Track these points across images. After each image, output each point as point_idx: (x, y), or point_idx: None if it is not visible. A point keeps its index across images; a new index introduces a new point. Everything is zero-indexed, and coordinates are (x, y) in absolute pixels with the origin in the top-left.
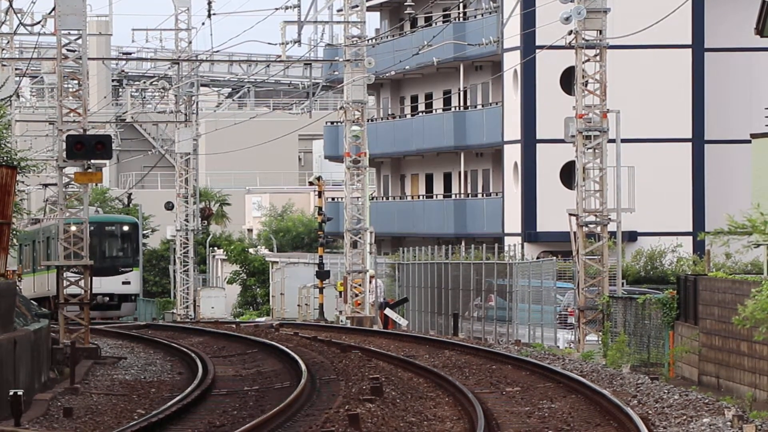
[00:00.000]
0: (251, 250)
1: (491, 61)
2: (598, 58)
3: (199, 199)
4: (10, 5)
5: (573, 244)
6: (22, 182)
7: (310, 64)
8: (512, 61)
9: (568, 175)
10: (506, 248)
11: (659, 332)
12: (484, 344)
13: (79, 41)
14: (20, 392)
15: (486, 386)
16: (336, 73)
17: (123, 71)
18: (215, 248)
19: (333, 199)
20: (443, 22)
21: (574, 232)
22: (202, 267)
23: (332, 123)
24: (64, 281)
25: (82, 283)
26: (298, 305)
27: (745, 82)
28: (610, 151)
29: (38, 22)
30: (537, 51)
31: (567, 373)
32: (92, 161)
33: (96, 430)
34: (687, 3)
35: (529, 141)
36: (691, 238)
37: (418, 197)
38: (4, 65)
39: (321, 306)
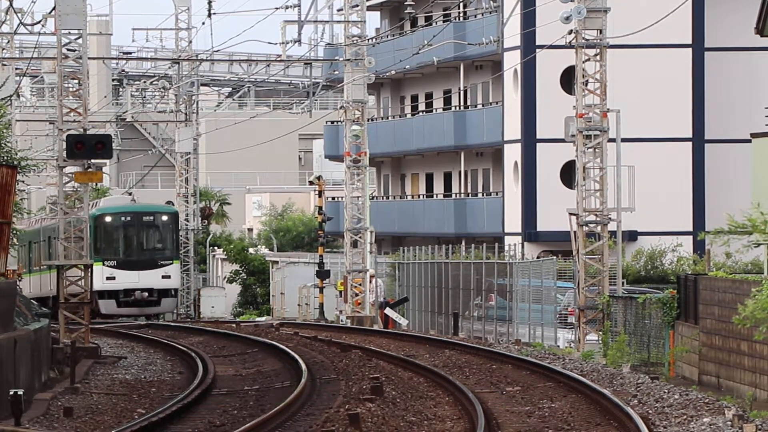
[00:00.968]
0: (251, 250)
1: (491, 61)
2: (598, 57)
3: (200, 198)
4: (11, 5)
5: (573, 244)
6: (23, 182)
7: (311, 63)
8: (512, 61)
9: (568, 174)
10: (506, 248)
11: (659, 332)
12: (485, 344)
13: (80, 41)
14: (20, 392)
15: (486, 386)
16: (336, 72)
17: (123, 71)
18: (215, 248)
19: (333, 198)
20: (443, 21)
21: (575, 232)
22: (202, 266)
23: (332, 122)
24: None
25: (117, 277)
26: (299, 305)
27: (745, 81)
28: (611, 150)
29: (38, 22)
30: (537, 50)
31: (567, 372)
32: (92, 161)
33: (96, 430)
34: (687, 3)
35: (530, 140)
36: (691, 237)
37: (419, 197)
38: (5, 65)
39: (321, 305)
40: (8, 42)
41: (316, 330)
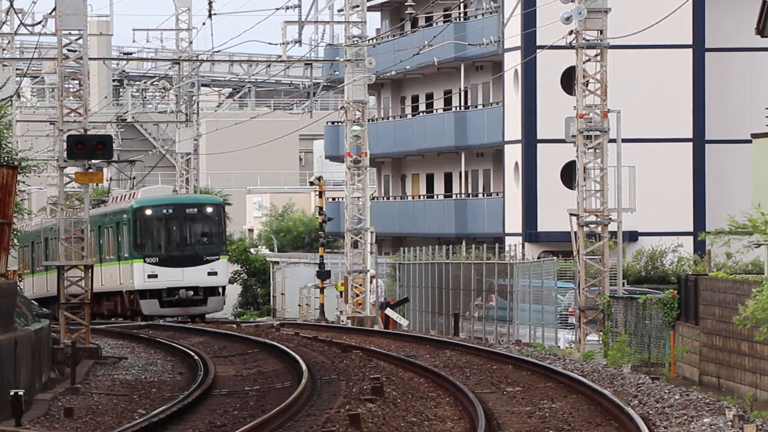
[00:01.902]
0: (252, 250)
1: (492, 61)
2: (598, 58)
3: None
4: (11, 5)
5: (574, 244)
6: (23, 182)
7: (311, 64)
8: (513, 61)
9: (568, 175)
10: (507, 248)
11: (660, 332)
12: (485, 344)
13: (80, 41)
14: (21, 392)
15: (487, 386)
16: (337, 73)
17: (124, 71)
18: None
19: (334, 199)
20: (444, 22)
21: (575, 232)
22: None
23: (333, 123)
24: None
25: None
26: (299, 305)
27: (746, 82)
28: (611, 151)
29: (39, 23)
30: (537, 51)
31: (568, 373)
32: (93, 161)
33: (97, 430)
34: (687, 3)
35: (530, 141)
36: (691, 238)
37: (419, 197)
38: (5, 65)
39: (322, 306)
40: (9, 42)
41: (317, 330)
